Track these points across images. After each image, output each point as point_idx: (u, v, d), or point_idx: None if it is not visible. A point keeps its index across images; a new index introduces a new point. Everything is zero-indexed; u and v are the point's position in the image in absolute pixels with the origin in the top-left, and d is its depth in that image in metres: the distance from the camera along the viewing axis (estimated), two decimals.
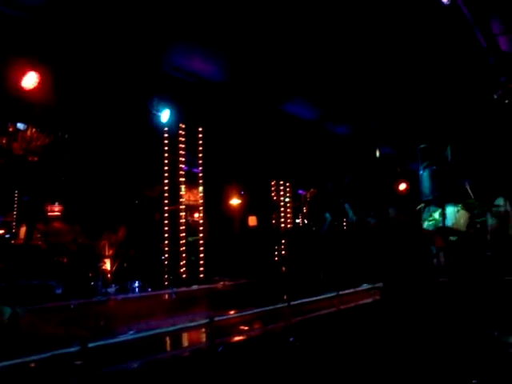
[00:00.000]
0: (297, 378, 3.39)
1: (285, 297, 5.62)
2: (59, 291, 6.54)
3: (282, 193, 11.27)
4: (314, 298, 5.47)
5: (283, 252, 10.46)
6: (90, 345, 3.14)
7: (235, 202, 10.32)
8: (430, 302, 4.99)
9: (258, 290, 6.92)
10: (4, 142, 9.09)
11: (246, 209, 10.46)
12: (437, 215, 7.94)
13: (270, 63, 7.71)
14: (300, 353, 3.64)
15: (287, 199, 11.38)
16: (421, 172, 9.49)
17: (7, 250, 7.64)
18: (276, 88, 8.46)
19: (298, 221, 11.98)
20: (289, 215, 11.35)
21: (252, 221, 10.34)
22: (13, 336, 3.78)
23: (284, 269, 9.79)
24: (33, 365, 2.93)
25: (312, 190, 11.85)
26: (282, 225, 11.09)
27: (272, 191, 11.15)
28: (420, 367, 3.47)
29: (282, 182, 11.32)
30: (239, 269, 8.36)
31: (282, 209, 11.20)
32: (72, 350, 3.07)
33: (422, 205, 8.72)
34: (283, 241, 10.55)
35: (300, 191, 12.15)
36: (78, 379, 2.73)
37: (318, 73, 8.15)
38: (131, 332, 3.71)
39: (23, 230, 8.97)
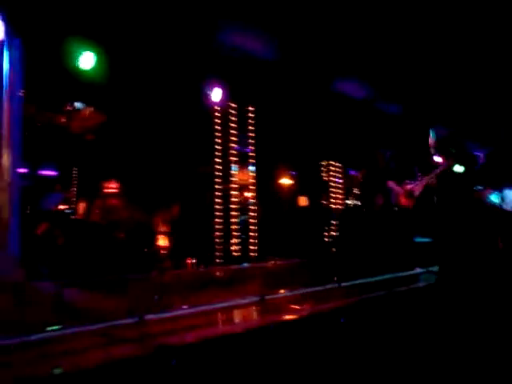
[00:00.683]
0: (346, 360, 3.39)
1: (336, 278, 5.59)
2: (117, 267, 6.77)
3: (332, 173, 11.14)
4: (366, 280, 5.43)
5: (334, 233, 10.38)
6: (146, 317, 3.24)
7: (286, 181, 10.30)
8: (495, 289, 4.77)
9: (309, 270, 6.92)
10: (63, 120, 9.46)
11: (297, 189, 10.43)
12: (495, 198, 7.64)
13: (321, 41, 7.57)
14: (350, 335, 3.63)
15: (338, 180, 11.24)
16: (478, 153, 9.13)
17: (67, 224, 7.99)
18: (327, 67, 8.31)
19: (348, 202, 11.82)
20: (339, 196, 11.22)
21: (303, 201, 10.31)
22: (70, 308, 3.96)
23: (334, 249, 9.73)
24: (90, 334, 3.07)
25: (363, 170, 11.63)
26: (333, 205, 10.99)
27: (323, 171, 11.04)
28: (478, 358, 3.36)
29: (333, 163, 11.18)
30: (290, 248, 8.38)
31: (333, 189, 11.08)
32: (129, 321, 3.17)
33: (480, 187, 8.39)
34: (334, 222, 10.47)
35: (351, 172, 11.96)
36: (134, 351, 2.81)
37: (370, 51, 7.94)
38: (185, 307, 3.82)
39: (82, 206, 9.33)
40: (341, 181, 11.23)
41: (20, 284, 3.93)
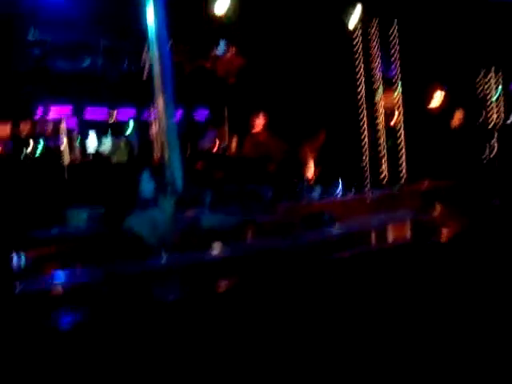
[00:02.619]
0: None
1: (494, 199, 5.22)
2: (269, 196, 7.16)
3: (491, 87, 10.05)
4: None
5: (492, 153, 9.53)
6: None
7: (437, 99, 9.59)
8: None
9: (464, 192, 6.53)
10: (208, 65, 9.98)
11: (450, 106, 9.67)
12: None
13: None
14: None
15: (497, 94, 10.14)
16: None
17: (223, 160, 8.60)
18: None
19: (510, 121, 10.66)
20: (499, 112, 10.15)
21: (456, 119, 9.55)
22: None
23: (492, 170, 8.97)
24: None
25: None
26: (491, 123, 10.01)
27: (480, 85, 10.01)
28: None
29: (491, 75, 10.06)
30: (442, 170, 7.95)
31: (491, 105, 10.04)
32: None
33: None
34: (492, 141, 9.58)
35: None
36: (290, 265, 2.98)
37: None
38: (337, 227, 3.95)
39: (234, 142, 9.91)
40: (500, 94, 10.11)
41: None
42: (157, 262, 2.96)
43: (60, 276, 2.68)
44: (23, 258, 3.69)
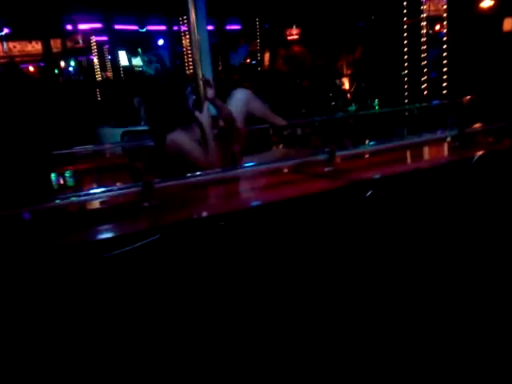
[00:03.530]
0: None
1: None
2: (304, 110, 7.00)
3: None
4: None
5: None
6: (337, 153, 3.30)
7: (487, 3, 8.81)
8: None
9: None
10: None
11: (502, 10, 8.86)
12: None
13: None
14: None
15: None
16: None
17: (255, 75, 8.36)
18: None
19: None
20: None
21: (508, 24, 8.80)
22: None
23: None
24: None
25: None
26: None
27: None
28: None
29: None
30: (490, 85, 7.49)
31: None
32: (321, 157, 3.28)
33: None
34: None
35: None
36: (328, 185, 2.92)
37: None
38: (372, 143, 3.82)
39: (267, 56, 9.58)
40: None
41: None
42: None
43: (94, 191, 2.72)
44: (58, 175, 3.78)
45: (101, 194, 2.61)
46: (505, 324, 2.73)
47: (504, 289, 2.88)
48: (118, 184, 3.06)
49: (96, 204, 2.63)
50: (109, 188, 2.69)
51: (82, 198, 2.61)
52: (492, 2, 8.80)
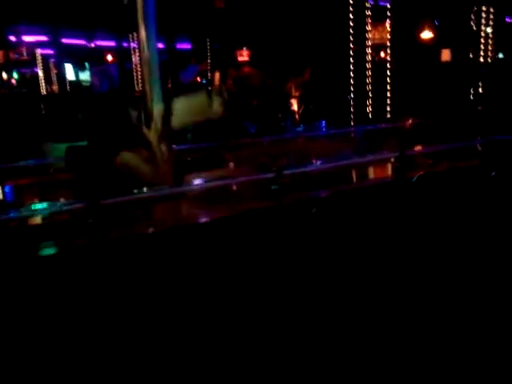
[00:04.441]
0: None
1: (480, 136, 5.21)
2: (253, 130, 7.07)
3: (483, 21, 9.72)
4: None
5: (480, 90, 9.41)
6: (284, 172, 3.37)
7: (426, 35, 9.31)
8: None
9: (450, 129, 6.51)
10: None
11: (439, 42, 9.38)
12: None
13: None
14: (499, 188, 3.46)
15: (489, 29, 9.83)
16: None
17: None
18: None
19: (500, 56, 10.41)
20: (490, 48, 9.88)
21: (445, 55, 9.32)
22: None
23: (480, 108, 8.90)
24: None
25: None
26: (482, 59, 9.78)
27: (471, 19, 9.68)
28: None
29: (484, 8, 9.68)
30: (429, 108, 7.87)
31: (483, 40, 9.76)
32: (268, 175, 3.34)
33: None
34: (481, 77, 9.42)
35: (508, 19, 10.34)
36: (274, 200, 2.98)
37: None
38: (319, 162, 3.91)
39: (217, 75, 9.64)
40: (492, 30, 9.81)
41: None
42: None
43: (37, 207, 2.62)
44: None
45: (43, 211, 2.53)
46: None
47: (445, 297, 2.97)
48: (61, 200, 2.98)
49: (38, 220, 2.54)
50: (52, 204, 2.61)
51: (24, 213, 2.52)
52: (431, 35, 9.32)
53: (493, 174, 3.60)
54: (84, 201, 2.40)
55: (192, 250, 2.30)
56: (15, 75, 12.39)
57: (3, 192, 3.84)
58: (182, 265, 2.24)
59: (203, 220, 2.53)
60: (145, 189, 2.95)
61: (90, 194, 2.39)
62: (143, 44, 3.41)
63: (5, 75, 12.34)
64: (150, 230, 2.35)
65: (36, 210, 2.49)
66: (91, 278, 1.99)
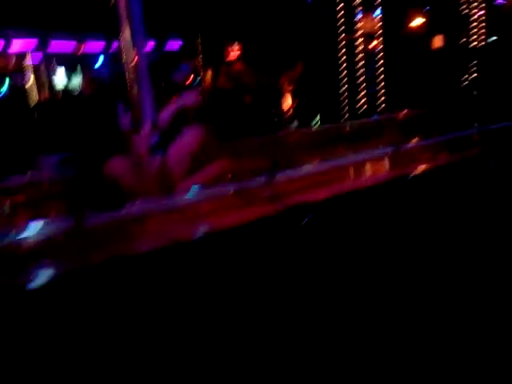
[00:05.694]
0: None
1: (476, 123, 5.14)
2: (245, 128, 6.99)
3: (474, 4, 9.60)
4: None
5: (474, 75, 9.33)
6: (277, 176, 3.30)
7: (417, 22, 9.21)
8: None
9: (446, 118, 6.44)
10: None
11: (430, 29, 9.29)
12: None
13: None
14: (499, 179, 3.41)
15: (481, 11, 9.73)
16: None
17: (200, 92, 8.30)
18: None
19: (493, 38, 10.31)
20: (482, 31, 9.79)
21: (437, 42, 9.22)
22: None
23: (475, 93, 8.82)
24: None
25: None
26: (474, 43, 9.68)
27: (462, 3, 9.56)
28: None
29: None
30: (423, 98, 7.80)
31: (475, 24, 9.64)
32: (260, 180, 3.26)
33: None
34: (474, 62, 9.33)
35: (498, 1, 10.23)
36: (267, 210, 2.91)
37: None
38: (315, 163, 3.85)
39: (209, 74, 9.54)
40: (484, 12, 9.71)
41: None
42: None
43: (30, 227, 2.57)
44: None
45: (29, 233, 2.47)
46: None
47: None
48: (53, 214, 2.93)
49: (26, 242, 2.49)
50: (38, 221, 2.55)
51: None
52: (422, 21, 9.22)
53: (491, 165, 3.55)
54: (68, 220, 2.34)
55: (191, 268, 2.25)
56: (5, 84, 12.31)
57: None
58: (186, 282, 2.19)
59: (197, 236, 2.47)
60: (136, 202, 2.89)
61: (76, 210, 2.32)
62: (128, 45, 3.30)
63: None
64: (142, 249, 2.30)
65: (22, 231, 2.42)
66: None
